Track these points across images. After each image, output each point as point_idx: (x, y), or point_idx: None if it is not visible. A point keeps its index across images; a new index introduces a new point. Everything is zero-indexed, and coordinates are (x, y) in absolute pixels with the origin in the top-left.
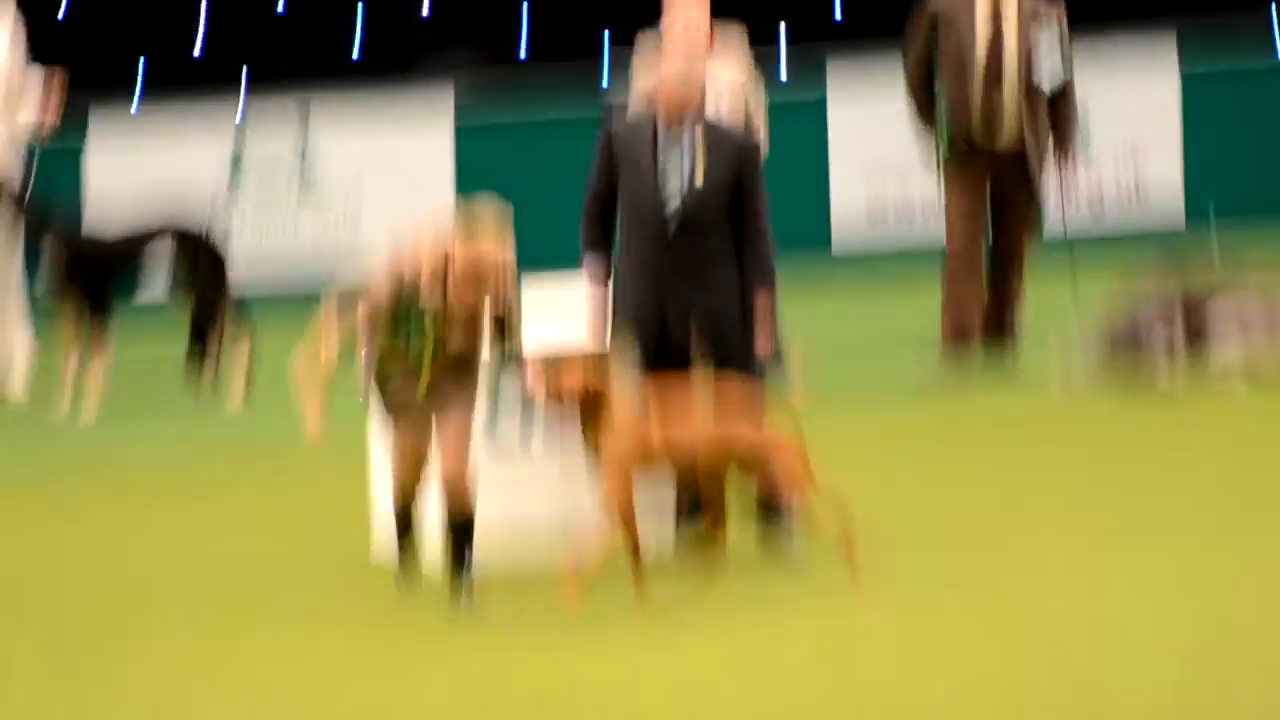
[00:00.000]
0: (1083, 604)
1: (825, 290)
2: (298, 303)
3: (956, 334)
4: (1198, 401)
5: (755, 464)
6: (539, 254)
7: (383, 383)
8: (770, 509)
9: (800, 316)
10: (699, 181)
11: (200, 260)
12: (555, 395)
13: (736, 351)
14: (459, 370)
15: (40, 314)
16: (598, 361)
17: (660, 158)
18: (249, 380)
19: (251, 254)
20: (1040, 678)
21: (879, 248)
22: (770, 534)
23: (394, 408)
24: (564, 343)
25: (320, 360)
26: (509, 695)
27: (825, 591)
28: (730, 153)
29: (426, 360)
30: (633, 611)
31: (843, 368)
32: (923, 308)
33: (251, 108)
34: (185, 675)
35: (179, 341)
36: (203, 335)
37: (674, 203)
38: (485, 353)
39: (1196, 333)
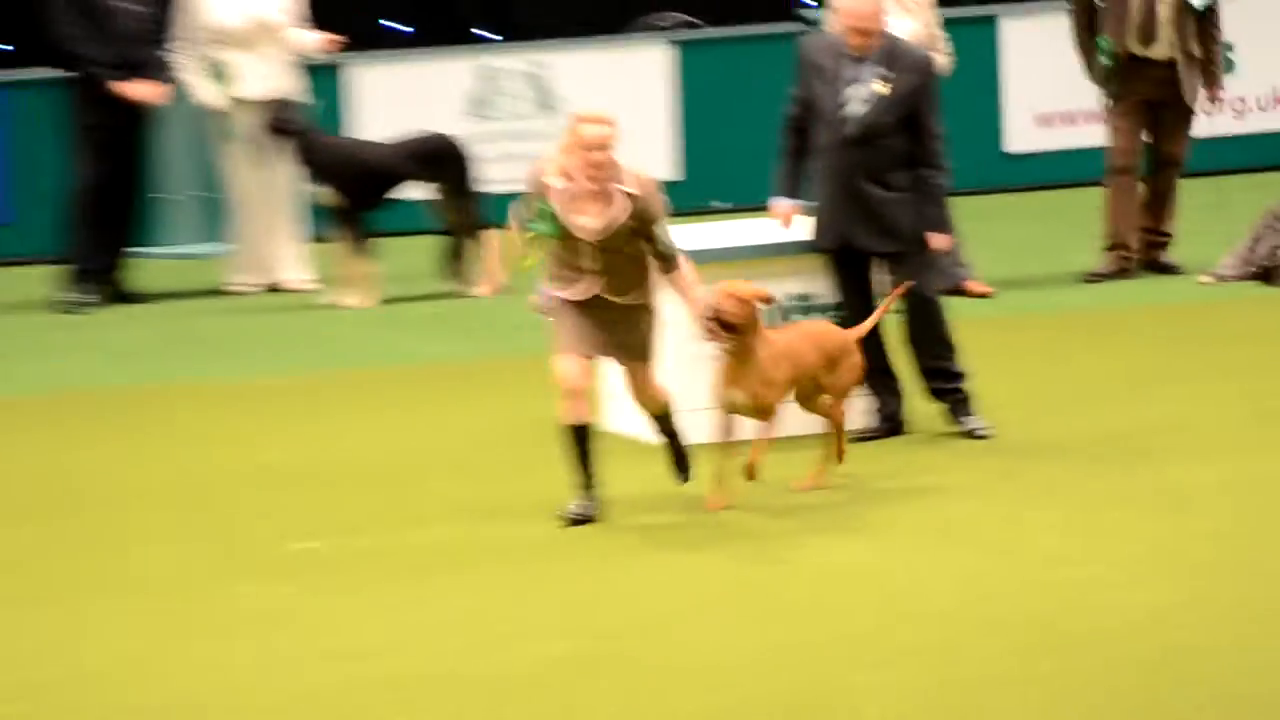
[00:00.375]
0: (1234, 473)
1: (998, 190)
2: None
3: (1118, 231)
4: None
5: (835, 361)
6: (739, 160)
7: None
8: (945, 389)
9: (975, 213)
10: (878, 93)
11: (450, 169)
12: (715, 317)
13: (911, 246)
14: (627, 279)
15: (315, 217)
16: (753, 291)
17: (845, 71)
18: (497, 270)
19: (497, 158)
20: (1183, 569)
21: (1048, 149)
22: (951, 412)
23: (561, 316)
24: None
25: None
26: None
27: (988, 476)
28: (908, 67)
29: (550, 235)
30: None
31: (1014, 262)
32: (1087, 205)
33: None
34: (441, 556)
35: (436, 239)
36: (455, 232)
37: (855, 111)
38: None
39: None
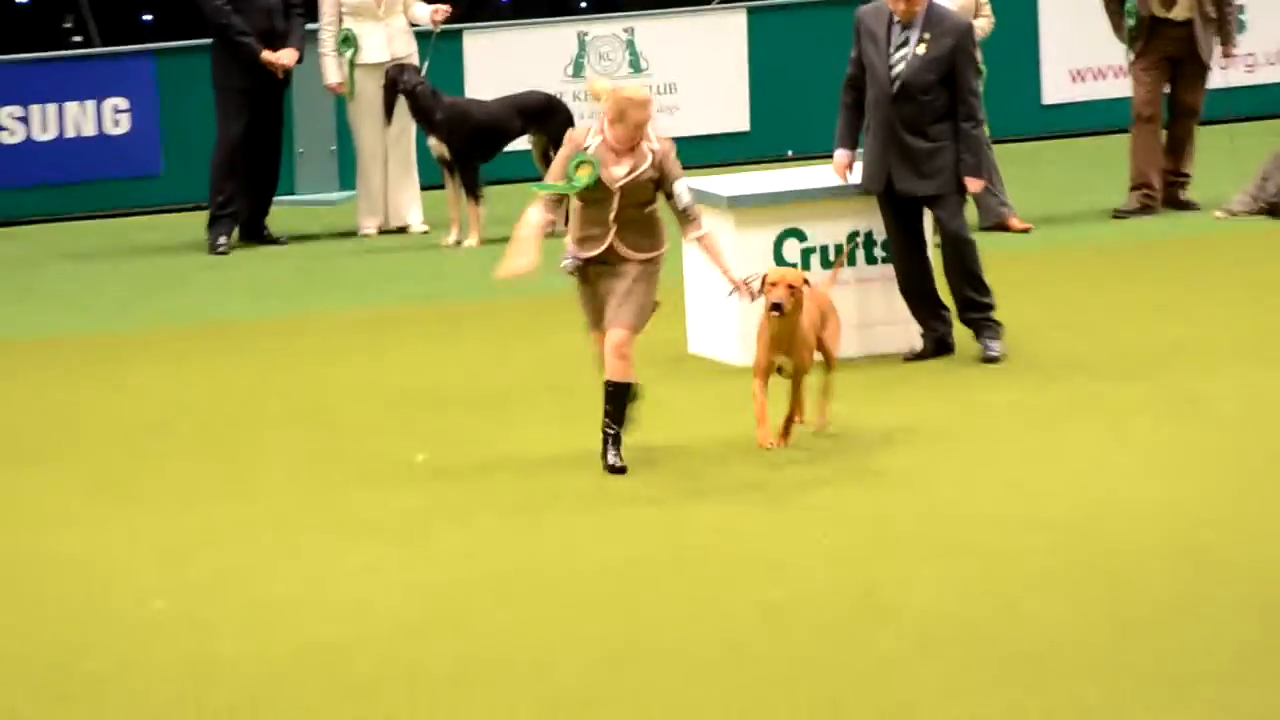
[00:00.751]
0: (1246, 383)
1: (1036, 138)
2: None
3: (1142, 173)
4: None
5: (826, 317)
6: (804, 114)
7: (579, 253)
8: (974, 316)
9: (1016, 158)
10: (920, 54)
11: (551, 124)
12: (774, 306)
13: (947, 190)
14: (640, 236)
15: (431, 166)
16: (798, 275)
17: (894, 35)
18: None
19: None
20: (1202, 476)
21: (1081, 100)
22: (976, 334)
23: (586, 279)
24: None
25: (538, 221)
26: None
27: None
28: (947, 32)
29: (587, 182)
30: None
31: (1050, 201)
32: (1115, 150)
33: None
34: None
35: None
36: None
37: (899, 70)
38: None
39: None
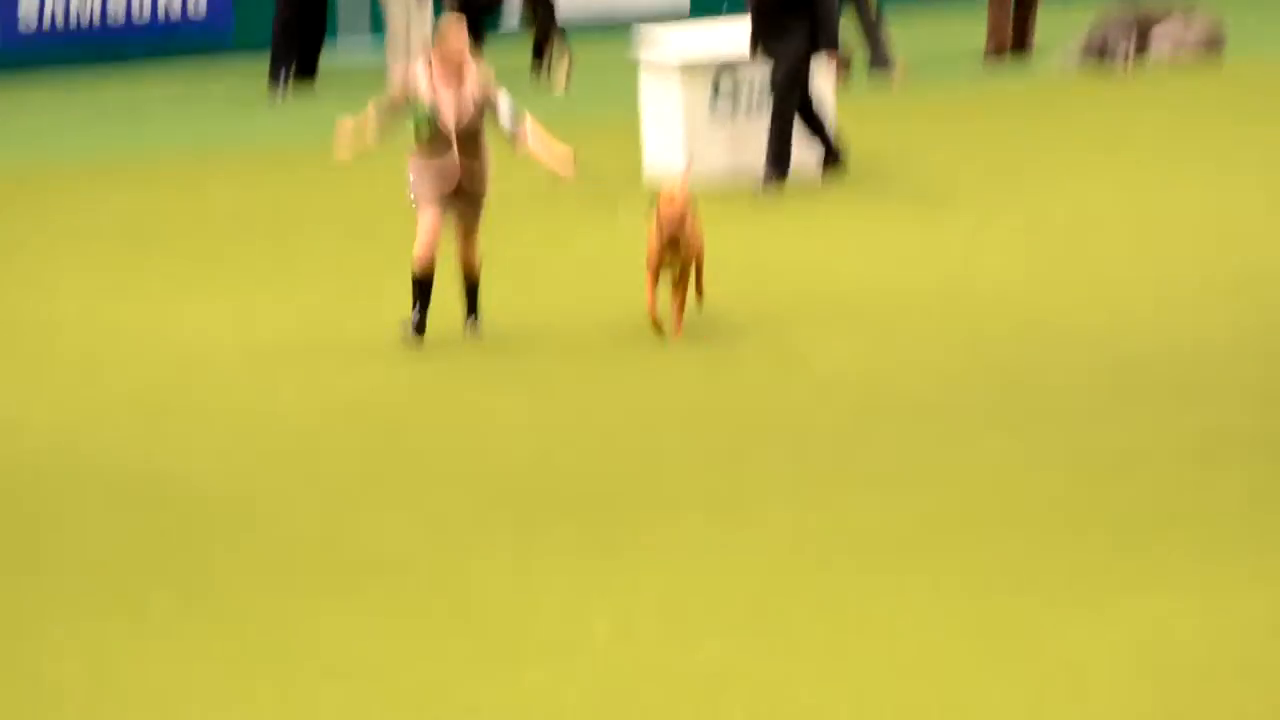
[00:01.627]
0: (1072, 209)
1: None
2: (599, 29)
3: (995, 42)
4: (1141, 79)
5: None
6: None
7: (419, 169)
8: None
9: (900, 25)
10: None
11: (538, 2)
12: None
13: (792, 56)
14: (472, 159)
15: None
16: (685, 196)
17: None
18: (568, 77)
19: None
20: (1046, 266)
21: None
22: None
23: (421, 194)
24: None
25: (361, 124)
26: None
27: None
28: None
29: (425, 134)
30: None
31: (923, 66)
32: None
33: None
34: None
35: (526, 53)
36: (540, 50)
37: None
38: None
39: (1143, 46)
